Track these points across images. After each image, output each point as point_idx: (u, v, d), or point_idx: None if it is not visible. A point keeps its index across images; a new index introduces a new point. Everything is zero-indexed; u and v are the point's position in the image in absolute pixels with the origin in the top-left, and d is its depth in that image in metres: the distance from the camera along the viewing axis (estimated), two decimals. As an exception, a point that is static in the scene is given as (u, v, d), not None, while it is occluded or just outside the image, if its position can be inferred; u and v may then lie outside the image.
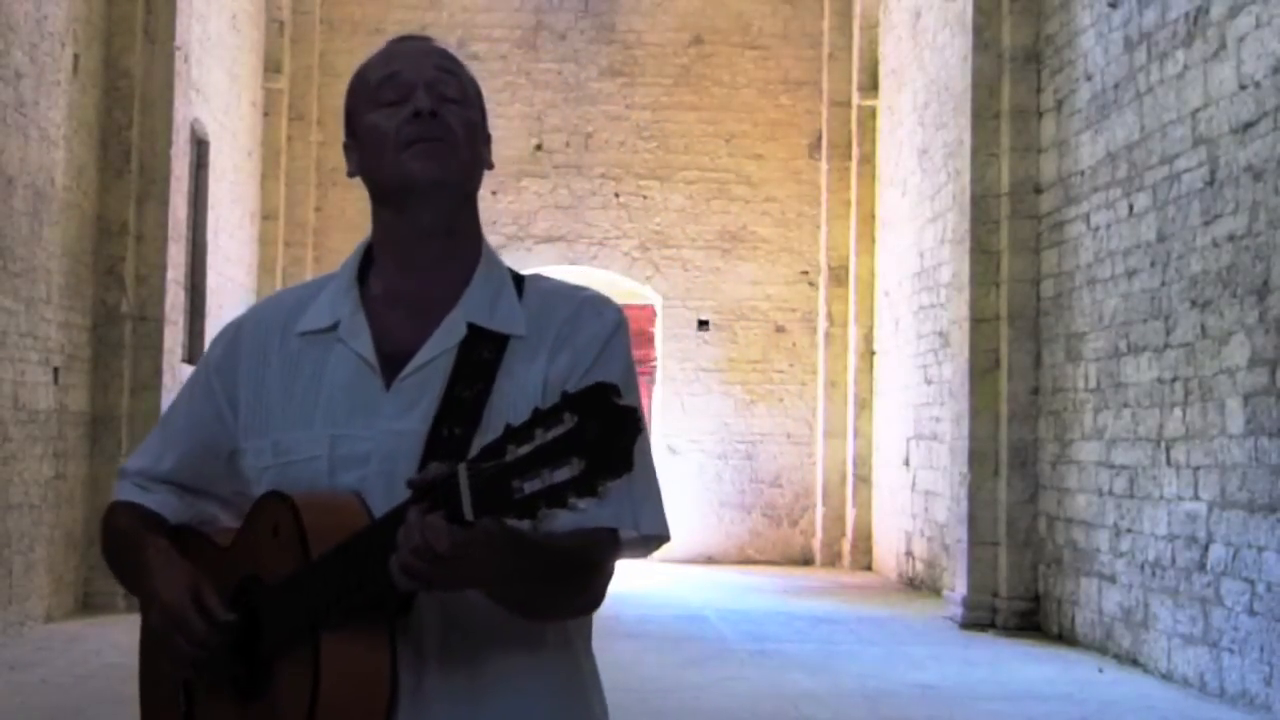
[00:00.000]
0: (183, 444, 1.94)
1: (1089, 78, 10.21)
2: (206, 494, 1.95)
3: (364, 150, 1.89)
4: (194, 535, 1.90)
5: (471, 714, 1.76)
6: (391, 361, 1.82)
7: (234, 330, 1.95)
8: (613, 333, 1.87)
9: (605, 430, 1.40)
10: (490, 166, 1.95)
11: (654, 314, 17.56)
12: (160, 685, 1.87)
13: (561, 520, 1.66)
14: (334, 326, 1.86)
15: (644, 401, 1.87)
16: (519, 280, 1.92)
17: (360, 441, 1.79)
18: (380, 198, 1.90)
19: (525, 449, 1.42)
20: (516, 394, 1.79)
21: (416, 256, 1.87)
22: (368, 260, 1.92)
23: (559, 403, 1.42)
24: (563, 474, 1.41)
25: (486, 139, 1.95)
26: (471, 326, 1.82)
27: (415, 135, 1.84)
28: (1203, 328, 8.35)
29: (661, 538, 1.84)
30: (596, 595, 1.81)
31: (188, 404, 1.96)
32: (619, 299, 18.06)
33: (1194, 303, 8.47)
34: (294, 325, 1.89)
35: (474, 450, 1.58)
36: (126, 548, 1.90)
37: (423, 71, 1.88)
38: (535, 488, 1.41)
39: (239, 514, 1.88)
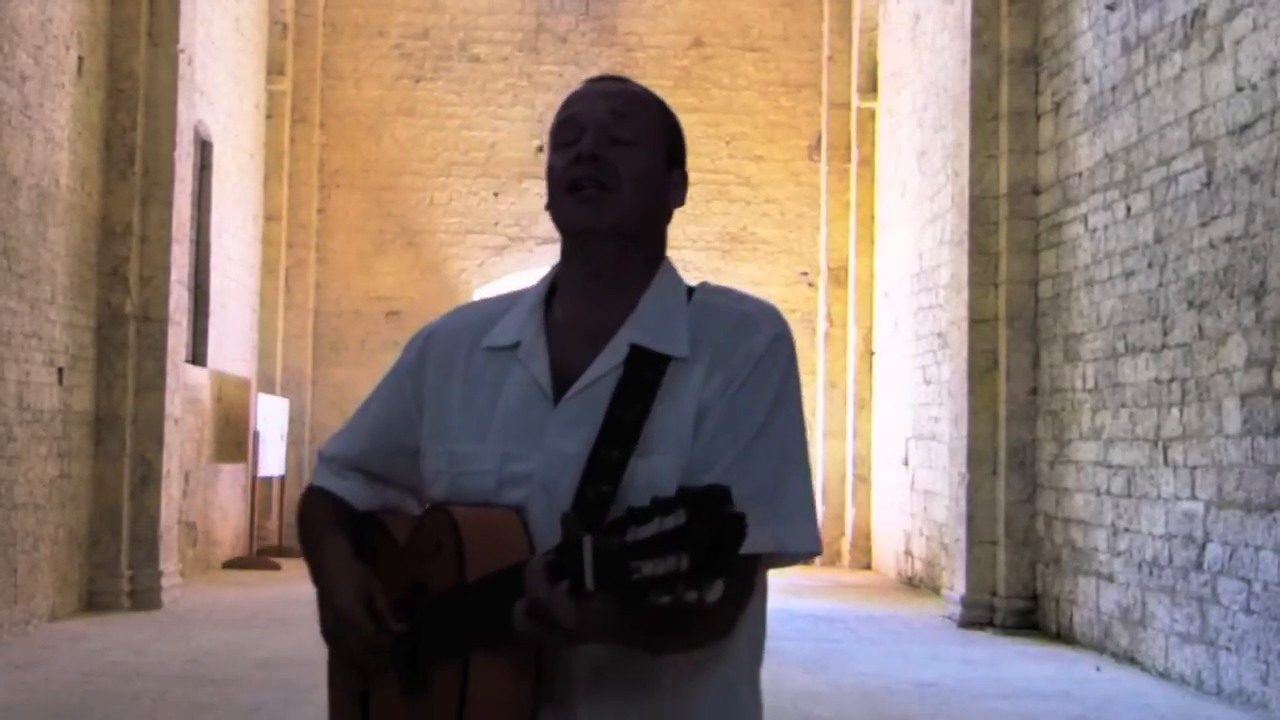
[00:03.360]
0: (373, 437, 2.06)
1: (1087, 80, 10.26)
2: (393, 483, 2.07)
3: (547, 187, 1.98)
4: (376, 526, 2.03)
5: None
6: (564, 384, 1.90)
7: (425, 338, 2.06)
8: (766, 350, 1.92)
9: (711, 536, 1.49)
10: (680, 203, 2.02)
11: (654, 315, 17.59)
12: (342, 665, 2.01)
13: None
14: (515, 346, 1.94)
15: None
16: (691, 292, 1.98)
17: (526, 461, 1.87)
18: (559, 232, 1.98)
19: (644, 533, 1.52)
20: (671, 417, 1.84)
21: (590, 289, 1.95)
22: (555, 284, 2.01)
23: (675, 497, 1.52)
24: (673, 565, 1.50)
25: (676, 180, 2.01)
26: (634, 347, 1.87)
27: (575, 179, 1.92)
28: (1200, 328, 8.40)
29: (812, 553, 1.85)
30: (724, 627, 1.80)
31: (381, 402, 2.07)
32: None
33: (1191, 304, 8.52)
34: (480, 339, 1.98)
35: (632, 473, 1.77)
36: (311, 541, 2.03)
37: (597, 113, 1.94)
38: (649, 572, 1.51)
39: (422, 502, 2.03)
